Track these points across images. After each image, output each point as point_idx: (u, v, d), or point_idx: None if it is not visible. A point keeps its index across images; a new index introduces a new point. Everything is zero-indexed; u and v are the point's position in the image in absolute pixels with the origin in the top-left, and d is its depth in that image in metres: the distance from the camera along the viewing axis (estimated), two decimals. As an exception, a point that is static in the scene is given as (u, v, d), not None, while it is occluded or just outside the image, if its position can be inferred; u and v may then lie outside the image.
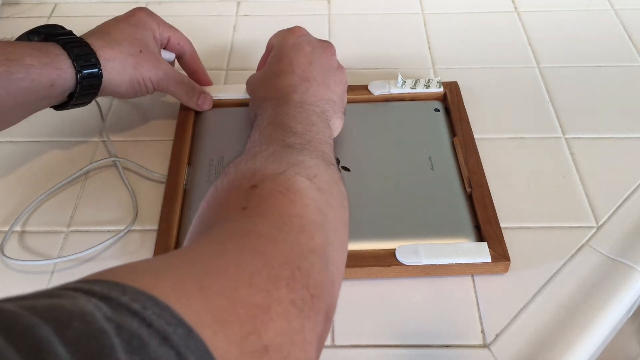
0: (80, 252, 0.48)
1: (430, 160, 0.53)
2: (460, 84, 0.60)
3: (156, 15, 0.57)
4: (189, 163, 0.54)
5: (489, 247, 0.46)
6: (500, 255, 0.46)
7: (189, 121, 0.57)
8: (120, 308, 0.21)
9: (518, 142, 0.57)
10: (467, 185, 0.51)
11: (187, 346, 0.21)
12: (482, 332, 0.44)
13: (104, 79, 0.50)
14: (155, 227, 0.50)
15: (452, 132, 0.56)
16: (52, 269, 0.48)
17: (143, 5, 0.75)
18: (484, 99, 0.61)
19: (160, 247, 0.47)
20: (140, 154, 0.57)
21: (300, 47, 0.52)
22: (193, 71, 0.60)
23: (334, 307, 0.33)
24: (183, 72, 0.60)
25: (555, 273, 0.47)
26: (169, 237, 0.48)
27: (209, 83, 0.61)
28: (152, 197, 0.53)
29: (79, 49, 0.49)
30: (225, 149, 0.55)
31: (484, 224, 0.48)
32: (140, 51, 0.53)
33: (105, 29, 0.53)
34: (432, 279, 0.46)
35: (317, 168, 0.37)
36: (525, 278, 0.47)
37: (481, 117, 0.58)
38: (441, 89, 0.60)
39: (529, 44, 0.68)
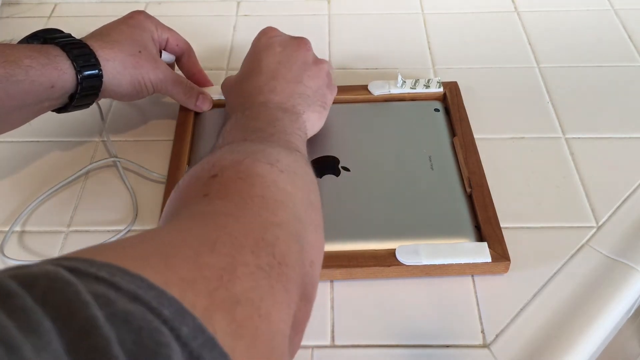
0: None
1: (430, 161, 0.53)
2: (460, 84, 0.60)
3: (154, 17, 0.57)
4: (189, 163, 0.54)
5: (489, 247, 0.46)
6: (501, 255, 0.46)
7: (189, 121, 0.57)
8: (88, 276, 0.21)
9: (518, 142, 0.57)
10: (467, 185, 0.51)
11: (159, 302, 0.21)
12: (482, 332, 0.44)
13: (104, 79, 0.50)
14: (155, 227, 0.49)
15: (452, 132, 0.56)
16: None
17: (143, 5, 0.75)
18: (484, 99, 0.61)
19: (160, 247, 0.47)
20: (140, 154, 0.57)
21: (271, 47, 0.52)
22: (192, 73, 0.60)
23: (314, 290, 0.33)
24: (182, 74, 0.60)
25: (555, 273, 0.47)
26: (169, 237, 0.48)
27: (209, 84, 0.61)
28: (152, 197, 0.53)
29: (78, 50, 0.49)
30: (225, 149, 0.54)
31: (484, 224, 0.48)
32: (140, 52, 0.53)
33: (104, 31, 0.53)
34: (432, 279, 0.46)
35: (279, 154, 0.37)
36: (525, 278, 0.47)
37: (481, 117, 0.58)
38: (441, 89, 0.60)
39: (529, 44, 0.68)
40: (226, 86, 0.55)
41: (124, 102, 0.62)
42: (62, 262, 0.22)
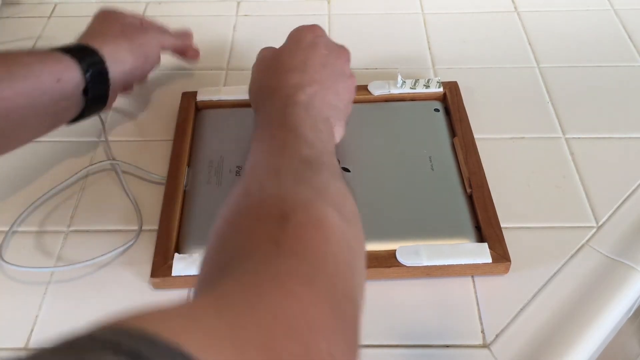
0: (82, 261, 0.48)
1: (431, 161, 0.53)
2: (460, 84, 0.60)
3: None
4: (189, 164, 0.54)
5: (490, 247, 0.46)
6: (501, 256, 0.46)
7: (189, 122, 0.57)
8: None
9: (518, 142, 0.57)
10: (467, 186, 0.51)
11: None
12: (482, 332, 0.44)
13: (107, 62, 0.51)
14: (155, 228, 0.50)
15: (452, 132, 0.56)
16: (49, 278, 0.48)
17: (143, 5, 0.75)
18: (484, 99, 0.61)
19: (160, 249, 0.47)
20: (140, 155, 0.57)
21: (317, 47, 0.50)
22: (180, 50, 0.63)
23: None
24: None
25: (555, 273, 0.47)
26: (169, 239, 0.48)
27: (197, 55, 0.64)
28: (152, 199, 0.53)
29: (70, 46, 0.50)
30: (225, 150, 0.55)
31: (484, 225, 0.48)
32: (122, 30, 0.55)
33: (82, 35, 0.55)
34: (432, 280, 0.46)
35: (340, 194, 0.36)
36: (525, 278, 0.47)
37: (481, 117, 0.58)
38: (441, 89, 0.60)
39: (529, 44, 0.68)
40: (261, 67, 0.52)
41: (124, 102, 0.62)
42: (123, 339, 0.20)
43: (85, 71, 0.49)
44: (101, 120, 0.60)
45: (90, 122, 0.60)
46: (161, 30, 0.60)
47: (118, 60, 0.52)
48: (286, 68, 0.49)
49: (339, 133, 0.48)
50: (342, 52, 0.52)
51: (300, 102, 0.45)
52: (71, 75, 0.48)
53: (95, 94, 0.51)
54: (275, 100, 0.46)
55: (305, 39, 0.51)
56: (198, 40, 0.64)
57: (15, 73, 0.46)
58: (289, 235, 0.31)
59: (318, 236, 0.31)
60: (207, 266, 0.33)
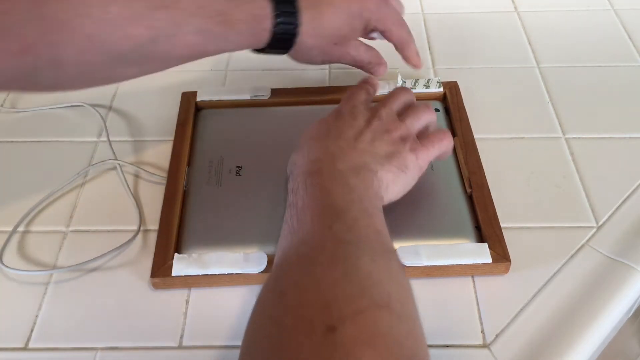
0: (81, 262, 0.48)
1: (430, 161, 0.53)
2: (460, 84, 0.60)
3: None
4: (189, 164, 0.54)
5: (490, 247, 0.46)
6: (501, 256, 0.46)
7: (189, 122, 0.57)
8: None
9: (518, 142, 0.57)
10: (467, 186, 0.51)
11: None
12: (482, 332, 0.44)
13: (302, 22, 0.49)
14: (155, 228, 0.50)
15: (452, 132, 0.56)
16: (49, 279, 0.48)
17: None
18: (484, 99, 0.61)
19: (160, 249, 0.47)
20: (140, 154, 0.57)
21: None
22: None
23: None
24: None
25: (555, 273, 0.47)
26: (169, 240, 0.48)
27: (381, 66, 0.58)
28: (151, 199, 0.53)
29: (285, 17, 0.48)
30: (225, 150, 0.54)
31: (484, 225, 0.48)
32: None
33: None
34: (431, 280, 0.46)
35: (386, 280, 0.34)
36: (525, 278, 0.47)
37: (481, 117, 0.59)
38: (441, 89, 0.60)
39: (529, 44, 0.68)
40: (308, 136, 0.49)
41: (124, 102, 0.62)
42: None
43: (276, 16, 0.48)
44: (102, 119, 0.60)
45: (91, 123, 0.60)
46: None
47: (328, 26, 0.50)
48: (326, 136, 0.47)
49: (387, 179, 0.44)
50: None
51: (324, 171, 0.43)
52: (260, 43, 0.49)
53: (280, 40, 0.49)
54: (298, 176, 0.44)
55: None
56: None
57: (225, 38, 0.47)
58: (339, 353, 0.28)
59: (371, 353, 0.29)
60: None
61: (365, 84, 0.52)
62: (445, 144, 0.48)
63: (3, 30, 0.39)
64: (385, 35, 0.55)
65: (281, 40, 0.49)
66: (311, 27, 0.49)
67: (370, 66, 0.56)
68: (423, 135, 0.48)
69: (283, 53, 0.52)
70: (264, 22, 0.47)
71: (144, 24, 0.43)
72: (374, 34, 0.56)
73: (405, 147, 0.46)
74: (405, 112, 0.49)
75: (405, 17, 0.72)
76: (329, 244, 0.36)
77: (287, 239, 0.40)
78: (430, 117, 0.49)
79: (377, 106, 0.49)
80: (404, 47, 0.55)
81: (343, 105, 0.49)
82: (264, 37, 0.48)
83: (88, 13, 0.41)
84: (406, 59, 0.56)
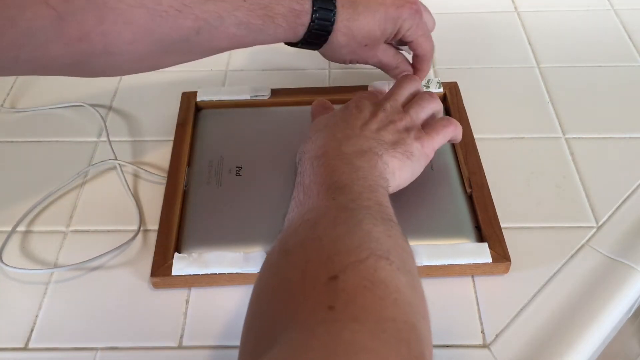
0: (82, 261, 0.48)
1: (430, 161, 0.53)
2: (460, 84, 0.60)
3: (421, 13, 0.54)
4: (189, 164, 0.54)
5: (490, 247, 0.46)
6: (501, 255, 0.46)
7: (189, 122, 0.57)
8: None
9: (518, 142, 0.57)
10: (467, 186, 0.51)
11: None
12: (482, 332, 0.44)
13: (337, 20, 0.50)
14: (155, 228, 0.50)
15: (452, 132, 0.56)
16: (49, 278, 0.48)
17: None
18: (484, 99, 0.61)
19: (160, 248, 0.47)
20: (140, 155, 0.57)
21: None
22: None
23: None
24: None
25: (555, 273, 0.47)
26: (169, 239, 0.48)
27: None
28: (151, 199, 0.53)
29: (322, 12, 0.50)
30: (225, 149, 0.54)
31: (484, 225, 0.48)
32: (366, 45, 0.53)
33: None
34: (431, 280, 0.46)
35: (385, 239, 0.35)
36: (525, 278, 0.47)
37: (481, 117, 0.59)
38: (441, 90, 0.60)
39: (529, 44, 0.68)
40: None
41: (124, 101, 0.62)
42: None
43: (309, 30, 0.50)
44: (102, 119, 0.60)
45: (91, 123, 0.60)
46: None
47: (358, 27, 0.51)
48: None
49: (394, 165, 0.45)
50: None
51: (329, 154, 0.44)
52: (297, 37, 0.50)
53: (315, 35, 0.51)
54: (305, 160, 0.45)
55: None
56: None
57: (264, 32, 0.48)
58: (342, 299, 0.29)
59: (372, 297, 0.30)
60: (252, 336, 0.31)
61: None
62: (450, 131, 0.49)
63: (64, 17, 0.40)
64: (412, 45, 0.55)
65: (315, 36, 0.50)
66: (345, 25, 0.51)
67: (397, 71, 0.57)
68: (428, 125, 0.49)
69: (315, 48, 0.53)
70: (302, 17, 0.49)
71: (192, 16, 0.44)
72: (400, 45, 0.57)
73: (410, 136, 0.47)
74: (410, 102, 0.50)
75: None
76: (332, 211, 0.38)
77: (294, 212, 0.41)
78: (435, 106, 0.50)
79: (382, 99, 0.50)
80: (423, 62, 0.57)
81: (350, 101, 0.50)
82: (300, 31, 0.50)
83: (142, 3, 0.42)
84: (417, 71, 0.57)
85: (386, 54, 0.55)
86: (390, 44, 0.56)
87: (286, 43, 0.52)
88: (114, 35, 0.42)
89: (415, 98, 0.51)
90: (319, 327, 0.28)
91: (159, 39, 0.44)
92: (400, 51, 0.57)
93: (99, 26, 0.41)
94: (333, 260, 0.31)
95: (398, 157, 0.45)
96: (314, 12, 0.49)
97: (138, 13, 0.43)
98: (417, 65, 0.57)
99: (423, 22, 0.54)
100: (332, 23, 0.50)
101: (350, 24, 0.51)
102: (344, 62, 0.55)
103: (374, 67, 0.60)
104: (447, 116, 0.51)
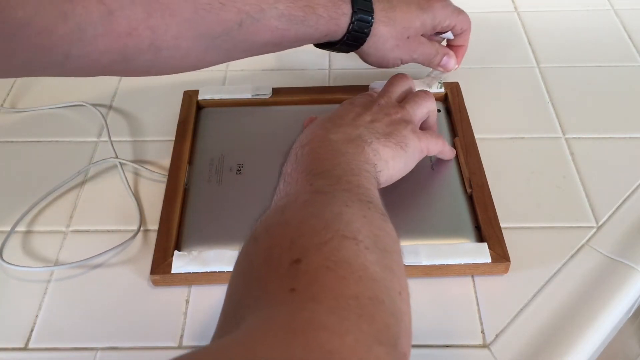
0: (83, 259, 0.48)
1: (431, 161, 0.53)
2: (460, 84, 0.60)
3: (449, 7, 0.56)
4: (190, 162, 0.54)
5: (489, 247, 0.46)
6: (501, 256, 0.46)
7: (190, 120, 0.57)
8: None
9: (518, 142, 0.57)
10: (467, 186, 0.51)
11: None
12: (482, 332, 0.44)
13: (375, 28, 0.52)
14: (156, 226, 0.50)
15: (453, 133, 0.56)
16: (49, 277, 0.48)
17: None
18: (484, 99, 0.61)
19: (160, 246, 0.47)
20: (141, 153, 0.57)
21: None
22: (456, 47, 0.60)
23: None
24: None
25: (555, 273, 0.47)
26: (169, 238, 0.48)
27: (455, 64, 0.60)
28: (152, 197, 0.53)
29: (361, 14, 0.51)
30: (226, 148, 0.55)
31: (484, 225, 0.48)
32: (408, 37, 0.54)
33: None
34: (431, 280, 0.46)
35: (357, 219, 0.34)
36: (525, 278, 0.47)
37: (481, 117, 0.59)
38: (442, 90, 0.60)
39: (529, 44, 0.68)
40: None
41: (125, 100, 0.62)
42: None
43: (348, 32, 0.51)
44: (103, 118, 0.60)
45: (91, 122, 0.60)
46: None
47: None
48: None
49: (385, 154, 0.44)
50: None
51: (315, 140, 0.43)
52: (337, 35, 0.51)
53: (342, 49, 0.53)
54: (292, 152, 0.45)
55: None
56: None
57: (306, 21, 0.49)
58: (303, 281, 0.29)
59: (334, 277, 0.29)
60: (221, 319, 0.31)
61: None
62: (443, 143, 0.50)
63: (114, 11, 0.40)
64: (460, 34, 0.58)
65: (358, 29, 0.51)
66: (385, 15, 0.52)
67: (437, 58, 0.58)
68: (426, 128, 0.50)
69: (358, 45, 0.53)
70: (343, 7, 0.50)
71: (234, 9, 0.45)
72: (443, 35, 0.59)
73: (407, 128, 0.46)
74: (405, 99, 0.50)
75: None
76: (304, 195, 0.37)
77: (273, 201, 0.41)
78: (430, 104, 0.51)
79: (376, 96, 0.50)
80: (464, 38, 0.59)
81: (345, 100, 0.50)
82: (343, 22, 0.50)
83: None
84: (459, 48, 0.59)
85: (427, 46, 0.56)
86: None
87: (326, 45, 0.53)
88: (161, 29, 0.43)
89: (411, 95, 0.51)
90: (279, 309, 0.28)
91: (203, 34, 0.45)
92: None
93: (147, 20, 0.42)
94: (297, 244, 0.31)
95: (391, 147, 0.44)
96: (353, 1, 0.50)
97: (183, 5, 0.43)
98: (459, 42, 0.59)
99: (452, 5, 0.56)
100: (372, 12, 0.51)
101: (389, 14, 0.52)
102: (388, 64, 0.56)
103: (374, 67, 0.60)
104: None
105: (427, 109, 0.50)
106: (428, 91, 0.52)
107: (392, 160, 0.44)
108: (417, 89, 0.54)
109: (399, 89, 0.51)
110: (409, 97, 0.50)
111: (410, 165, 0.47)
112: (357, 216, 0.34)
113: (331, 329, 0.26)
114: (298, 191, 0.38)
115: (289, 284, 0.29)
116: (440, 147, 0.50)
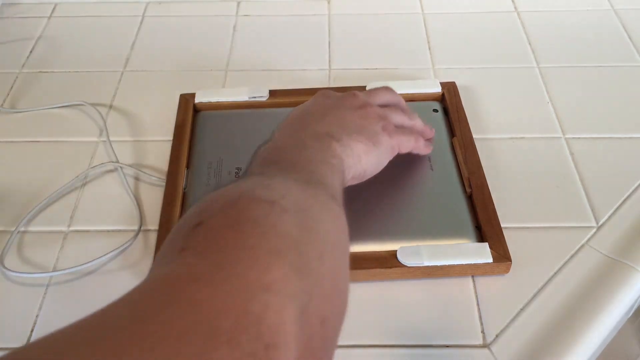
0: (81, 264, 0.48)
1: (430, 161, 0.53)
2: (460, 84, 0.60)
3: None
4: (188, 166, 0.54)
5: (490, 247, 0.46)
6: (502, 255, 0.46)
7: (187, 124, 0.57)
8: None
9: (518, 142, 0.57)
10: (467, 186, 0.51)
11: None
12: (482, 332, 0.44)
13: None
14: (154, 229, 0.50)
15: (451, 133, 0.56)
16: (49, 280, 0.48)
17: (143, 5, 0.75)
18: (484, 99, 0.61)
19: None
20: (140, 156, 0.57)
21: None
22: None
23: (328, 354, 0.28)
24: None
25: (555, 273, 0.47)
26: (169, 238, 0.48)
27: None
28: (151, 200, 0.53)
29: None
30: (224, 151, 0.54)
31: (484, 225, 0.48)
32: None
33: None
34: (432, 279, 0.46)
35: (289, 188, 0.32)
36: (525, 278, 0.47)
37: (481, 117, 0.59)
38: (439, 89, 0.60)
39: (529, 44, 0.68)
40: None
41: (124, 103, 0.62)
42: None
43: None
44: (103, 119, 0.60)
45: (91, 123, 0.60)
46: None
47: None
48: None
49: (357, 149, 0.42)
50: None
51: (282, 137, 0.42)
52: None
53: None
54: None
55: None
56: (198, 40, 0.64)
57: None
58: (196, 239, 0.27)
59: (231, 234, 0.27)
60: None
61: None
62: (416, 139, 0.49)
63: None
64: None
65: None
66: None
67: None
68: (400, 127, 0.48)
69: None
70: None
71: None
72: None
73: (379, 124, 0.45)
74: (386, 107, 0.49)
75: (405, 17, 0.73)
76: (247, 176, 0.35)
77: None
78: (409, 121, 0.50)
79: (352, 92, 0.48)
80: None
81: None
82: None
83: None
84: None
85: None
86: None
87: None
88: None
89: (392, 106, 0.50)
90: (161, 269, 0.26)
91: None
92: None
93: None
94: (205, 209, 0.30)
95: (363, 142, 0.43)
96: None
97: None
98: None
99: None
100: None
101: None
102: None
103: (373, 67, 0.60)
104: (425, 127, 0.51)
105: (409, 123, 0.50)
106: (413, 113, 0.51)
107: (364, 156, 0.43)
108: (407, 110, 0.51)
109: (382, 97, 0.50)
110: (390, 106, 0.50)
111: (383, 161, 0.46)
112: (288, 187, 0.32)
113: (205, 280, 0.24)
114: (244, 176, 0.36)
115: (180, 245, 0.27)
116: (413, 144, 0.49)
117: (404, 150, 0.49)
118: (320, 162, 0.38)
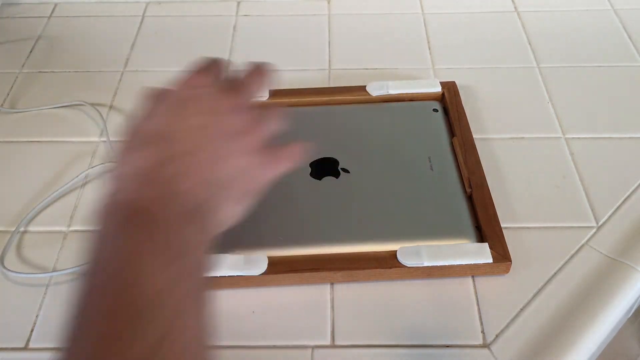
0: (81, 264, 0.48)
1: (430, 161, 0.53)
2: (460, 84, 0.60)
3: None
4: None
5: (490, 247, 0.46)
6: (502, 255, 0.46)
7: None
8: None
9: (518, 142, 0.57)
10: (467, 186, 0.51)
11: None
12: (482, 332, 0.44)
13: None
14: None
15: (451, 133, 0.56)
16: (49, 280, 0.48)
17: (143, 5, 0.75)
18: (484, 99, 0.61)
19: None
20: (141, 155, 0.57)
21: (197, 100, 0.39)
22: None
23: None
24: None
25: (555, 273, 0.47)
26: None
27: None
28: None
29: None
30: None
31: (484, 225, 0.48)
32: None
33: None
34: (432, 280, 0.46)
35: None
36: (525, 278, 0.47)
37: (481, 117, 0.59)
38: (439, 89, 0.60)
39: (529, 44, 0.68)
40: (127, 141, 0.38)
41: (124, 102, 0.62)
42: None
43: None
44: (103, 119, 0.60)
45: (91, 123, 0.60)
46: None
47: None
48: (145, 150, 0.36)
49: (230, 213, 0.36)
50: (230, 95, 0.38)
51: (146, 229, 0.32)
52: None
53: None
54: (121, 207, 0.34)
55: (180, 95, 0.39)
56: (198, 40, 0.64)
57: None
58: None
59: None
60: None
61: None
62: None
63: None
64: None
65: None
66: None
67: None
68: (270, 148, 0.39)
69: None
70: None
71: None
72: None
73: (259, 161, 0.37)
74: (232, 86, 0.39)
75: (405, 17, 0.73)
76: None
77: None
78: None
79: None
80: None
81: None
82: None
83: None
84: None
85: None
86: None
87: None
88: None
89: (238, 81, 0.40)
90: None
91: None
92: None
93: None
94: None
95: (240, 201, 0.36)
96: None
97: None
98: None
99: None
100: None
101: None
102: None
103: (373, 67, 0.60)
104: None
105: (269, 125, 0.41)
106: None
107: (235, 214, 0.37)
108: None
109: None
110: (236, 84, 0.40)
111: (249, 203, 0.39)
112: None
113: None
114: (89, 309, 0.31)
115: None
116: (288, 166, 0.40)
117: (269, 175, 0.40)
118: (195, 290, 0.31)
